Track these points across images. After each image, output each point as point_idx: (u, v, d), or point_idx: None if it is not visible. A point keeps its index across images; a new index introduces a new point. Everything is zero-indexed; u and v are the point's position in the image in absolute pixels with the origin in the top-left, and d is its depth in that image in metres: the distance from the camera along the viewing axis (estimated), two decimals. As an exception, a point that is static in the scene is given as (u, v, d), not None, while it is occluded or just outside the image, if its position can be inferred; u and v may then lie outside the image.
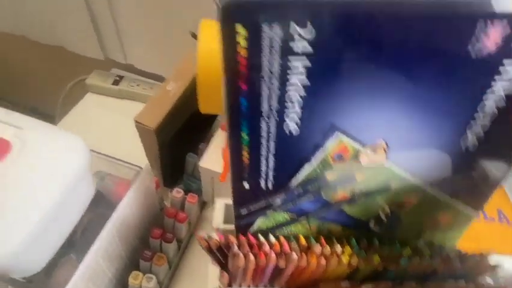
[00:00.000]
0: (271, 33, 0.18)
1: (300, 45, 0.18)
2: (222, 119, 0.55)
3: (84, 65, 0.75)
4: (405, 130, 0.22)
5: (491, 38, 0.18)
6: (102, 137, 0.60)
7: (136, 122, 0.45)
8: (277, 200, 0.27)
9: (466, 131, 0.22)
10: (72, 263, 0.39)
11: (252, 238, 0.27)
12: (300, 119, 0.21)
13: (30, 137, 0.33)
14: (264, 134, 0.22)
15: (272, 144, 0.23)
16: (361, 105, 0.21)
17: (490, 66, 0.19)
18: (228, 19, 0.17)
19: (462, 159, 0.24)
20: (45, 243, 0.33)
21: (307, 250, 0.28)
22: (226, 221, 0.34)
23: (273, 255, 0.26)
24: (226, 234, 0.28)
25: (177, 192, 0.49)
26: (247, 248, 0.26)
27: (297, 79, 0.19)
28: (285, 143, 0.22)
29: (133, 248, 0.44)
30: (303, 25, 0.17)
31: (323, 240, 0.28)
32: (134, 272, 0.42)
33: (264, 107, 0.20)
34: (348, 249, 0.27)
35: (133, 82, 0.74)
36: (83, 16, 0.64)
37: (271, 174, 0.25)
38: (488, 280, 0.29)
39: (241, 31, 0.18)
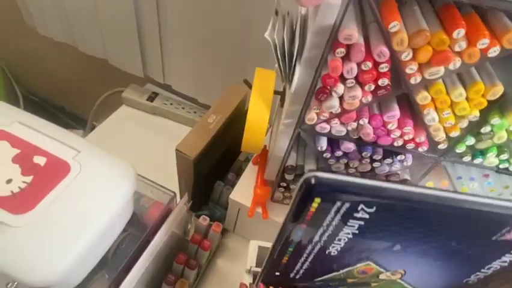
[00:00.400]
0: (341, 207, 0.22)
1: (361, 215, 0.23)
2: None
3: (123, 78, 0.78)
4: (423, 269, 0.29)
5: (511, 234, 0.24)
6: (132, 152, 0.62)
7: (177, 150, 0.47)
8: (301, 285, 0.31)
9: (471, 276, 0.29)
10: (103, 281, 0.40)
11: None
12: (340, 249, 0.27)
13: (88, 161, 0.35)
14: (307, 252, 0.27)
15: (311, 258, 0.28)
16: (392, 251, 0.27)
17: (505, 247, 0.26)
18: (309, 192, 0.22)
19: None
20: (89, 261, 0.35)
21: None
22: (257, 263, 0.36)
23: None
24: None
25: (203, 220, 0.50)
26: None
27: (349, 230, 0.25)
28: (322, 259, 0.28)
29: (158, 273, 0.46)
30: (369, 207, 0.22)
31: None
32: (158, 296, 0.43)
33: (315, 239, 0.26)
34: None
35: (166, 100, 0.77)
36: (132, 33, 0.67)
37: (301, 272, 0.30)
38: None
39: (317, 201, 0.22)
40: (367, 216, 0.23)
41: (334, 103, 0.32)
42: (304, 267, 0.29)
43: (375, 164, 0.39)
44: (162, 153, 0.53)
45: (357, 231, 0.24)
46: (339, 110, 0.33)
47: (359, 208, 0.22)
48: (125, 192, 0.35)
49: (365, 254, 0.27)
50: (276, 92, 0.41)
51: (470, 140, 0.34)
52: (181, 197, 0.55)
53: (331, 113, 0.34)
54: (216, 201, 0.57)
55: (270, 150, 0.48)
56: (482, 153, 0.36)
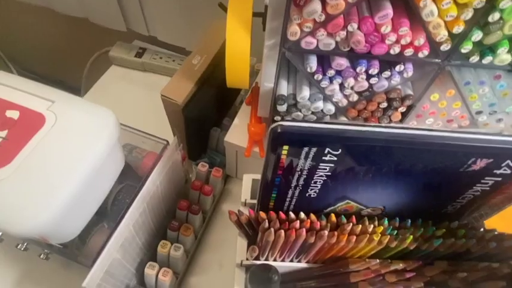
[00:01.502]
0: (309, 152, 0.23)
1: (329, 158, 0.24)
2: (246, 94, 0.54)
3: (109, 38, 0.74)
4: (401, 202, 0.29)
5: (477, 165, 0.24)
6: (126, 110, 0.60)
7: (163, 96, 0.45)
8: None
9: (448, 207, 0.29)
10: (104, 232, 0.40)
11: (282, 214, 0.27)
12: (318, 191, 0.28)
13: (63, 110, 0.34)
14: (289, 196, 0.29)
15: (294, 201, 0.29)
16: (367, 189, 0.27)
17: (474, 177, 0.25)
18: (277, 141, 0.23)
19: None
20: (80, 211, 0.34)
21: (336, 228, 0.27)
22: (253, 195, 0.35)
23: (304, 232, 0.26)
24: (247, 206, 0.28)
25: (202, 166, 0.49)
26: (278, 224, 0.27)
27: (322, 173, 0.26)
28: (304, 202, 0.29)
29: (161, 218, 0.46)
30: (335, 149, 0.23)
31: (353, 219, 0.28)
32: (163, 241, 0.43)
33: (293, 184, 0.27)
34: (380, 228, 0.27)
35: (155, 55, 0.73)
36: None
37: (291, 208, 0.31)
38: None
39: (285, 148, 0.23)
40: (335, 158, 0.24)
41: (315, 7, 0.28)
42: (290, 208, 0.30)
43: (373, 80, 0.36)
44: (155, 108, 0.50)
45: (329, 173, 0.25)
46: (323, 17, 0.29)
47: (326, 152, 0.23)
48: (106, 138, 0.33)
49: (342, 193, 0.28)
50: (255, 14, 0.37)
51: (477, 35, 0.30)
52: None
53: (314, 21, 0.30)
54: (214, 148, 0.55)
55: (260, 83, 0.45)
56: (492, 50, 0.32)
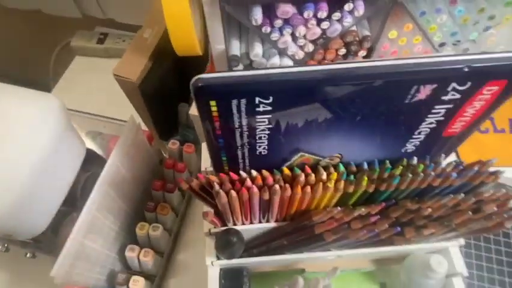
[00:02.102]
0: (240, 105, 0.22)
1: (264, 108, 0.22)
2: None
3: (70, 29, 0.71)
4: (357, 147, 0.27)
5: (422, 93, 0.22)
6: (97, 99, 0.59)
7: (116, 75, 0.43)
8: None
9: (407, 145, 0.27)
10: (74, 221, 0.40)
11: (233, 175, 0.26)
12: (268, 147, 0.26)
13: (1, 101, 0.32)
14: (240, 157, 0.27)
15: (247, 161, 0.28)
16: (318, 137, 0.26)
17: (423, 107, 0.23)
18: (201, 97, 0.21)
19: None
20: (40, 204, 0.33)
21: (292, 180, 0.26)
22: (214, 163, 0.34)
23: (255, 189, 0.25)
24: (208, 174, 0.27)
25: (173, 144, 0.48)
26: (229, 185, 0.26)
27: (263, 126, 0.24)
28: (258, 161, 0.27)
29: (137, 201, 0.45)
30: (265, 98, 0.21)
31: (307, 169, 0.26)
32: (141, 223, 0.43)
33: (238, 143, 0.25)
34: (334, 175, 0.26)
35: (117, 38, 0.70)
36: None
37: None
38: (489, 189, 0.27)
39: (212, 104, 0.21)
40: (270, 108, 0.22)
41: None
42: (246, 169, 0.28)
43: (324, 25, 0.34)
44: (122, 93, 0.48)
45: (271, 126, 0.24)
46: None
47: (257, 102, 0.21)
48: (52, 126, 0.32)
49: (294, 146, 0.26)
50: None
51: (422, -44, 0.28)
52: (148, 128, 0.52)
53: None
54: (185, 124, 0.54)
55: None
56: (442, -29, 0.29)
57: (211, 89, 0.20)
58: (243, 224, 0.32)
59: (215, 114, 0.22)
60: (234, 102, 0.21)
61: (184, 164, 0.47)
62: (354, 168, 0.27)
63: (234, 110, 0.22)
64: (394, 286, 0.38)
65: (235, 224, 0.32)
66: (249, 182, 0.25)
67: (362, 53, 0.38)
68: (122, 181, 0.39)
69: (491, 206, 0.25)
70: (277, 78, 0.20)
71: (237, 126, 0.23)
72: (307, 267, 0.38)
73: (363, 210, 0.27)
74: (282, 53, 0.37)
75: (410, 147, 0.27)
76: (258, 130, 0.24)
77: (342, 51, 0.37)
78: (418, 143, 0.26)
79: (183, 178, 0.27)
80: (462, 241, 0.32)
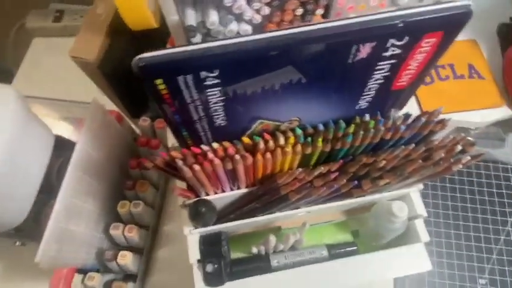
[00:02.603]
0: (186, 80, 0.22)
1: (212, 82, 0.22)
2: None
3: (23, 10, 0.67)
4: (313, 109, 0.28)
5: (362, 52, 0.22)
6: (61, 82, 0.57)
7: (73, 57, 0.41)
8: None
9: (359, 101, 0.28)
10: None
11: (195, 149, 0.27)
12: (226, 118, 0.26)
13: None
14: (201, 130, 0.27)
15: (209, 134, 0.28)
16: (274, 103, 0.26)
17: (368, 65, 0.24)
18: (146, 77, 0.21)
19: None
20: (15, 195, 0.34)
21: (253, 148, 0.27)
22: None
23: (217, 161, 0.26)
24: (171, 151, 0.27)
25: (143, 121, 0.48)
26: (191, 159, 0.26)
27: (215, 99, 0.24)
28: (218, 130, 0.28)
29: (116, 181, 0.46)
30: (210, 71, 0.21)
31: (266, 136, 0.27)
32: (122, 202, 0.44)
33: (195, 117, 0.26)
34: (291, 139, 0.27)
35: (75, 15, 0.67)
36: None
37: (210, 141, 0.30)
38: (449, 135, 0.29)
39: (159, 82, 0.21)
40: (218, 80, 0.22)
41: None
42: (209, 140, 0.29)
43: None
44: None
45: (224, 97, 0.24)
46: None
47: (203, 76, 0.21)
48: (10, 116, 0.31)
49: (251, 114, 0.27)
50: None
51: None
52: (118, 107, 0.52)
53: None
54: (155, 99, 0.53)
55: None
56: None
57: (153, 68, 0.20)
58: (216, 193, 0.33)
59: (164, 92, 0.22)
60: (180, 78, 0.21)
61: (158, 140, 0.48)
62: (311, 131, 0.28)
63: (182, 86, 0.22)
64: (365, 232, 0.41)
65: (208, 195, 0.33)
66: (210, 155, 0.26)
67: (320, 11, 0.37)
68: (95, 164, 0.40)
69: (439, 152, 0.27)
70: (218, 51, 0.20)
71: (189, 101, 0.23)
72: (283, 224, 0.40)
73: (322, 169, 0.28)
74: (239, 18, 0.36)
75: (363, 103, 0.28)
76: (211, 103, 0.24)
77: (299, 11, 0.37)
78: (370, 99, 0.27)
79: (148, 157, 0.27)
80: (421, 186, 0.35)
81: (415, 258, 0.35)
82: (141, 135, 0.49)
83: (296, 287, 0.34)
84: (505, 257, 0.46)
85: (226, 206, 0.37)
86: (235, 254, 0.39)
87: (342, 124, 0.27)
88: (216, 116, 0.26)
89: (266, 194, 0.32)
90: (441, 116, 0.28)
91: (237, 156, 0.26)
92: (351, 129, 0.27)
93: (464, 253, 0.46)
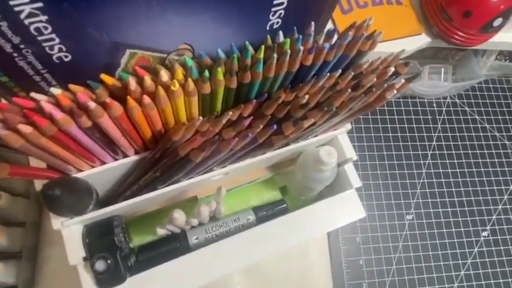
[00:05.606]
0: None
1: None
2: None
3: None
4: (209, 31, 0.20)
5: None
6: None
7: None
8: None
9: (270, 17, 0.21)
10: None
11: (20, 101, 0.17)
12: (66, 48, 0.17)
13: None
14: (30, 71, 0.18)
15: (48, 76, 0.18)
16: (144, 19, 0.17)
17: None
18: None
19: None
20: None
21: (124, 92, 0.18)
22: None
23: (60, 115, 0.17)
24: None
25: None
26: (18, 118, 0.17)
27: (38, 24, 0.15)
28: (63, 69, 0.18)
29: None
30: None
31: (140, 71, 0.19)
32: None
33: (7, 47, 0.16)
34: (179, 73, 0.19)
35: None
36: None
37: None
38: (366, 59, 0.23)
39: None
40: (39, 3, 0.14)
41: None
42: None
43: None
44: None
45: (49, 14, 0.15)
46: None
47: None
48: None
49: (112, 40, 0.18)
50: None
51: None
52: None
53: None
54: None
55: None
56: None
57: None
58: (93, 167, 0.24)
59: None
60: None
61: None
62: (208, 61, 0.20)
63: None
64: (294, 187, 0.36)
65: (81, 171, 0.24)
66: (48, 106, 0.16)
67: None
68: None
69: (370, 77, 0.21)
70: None
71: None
72: (199, 193, 0.33)
73: (231, 114, 0.21)
74: None
75: (274, 19, 0.21)
76: (28, 22, 0.14)
77: None
78: (283, 11, 0.20)
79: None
80: (349, 126, 0.30)
81: (349, 207, 0.31)
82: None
83: (221, 263, 0.28)
84: (427, 190, 0.46)
85: (118, 182, 0.28)
86: (143, 240, 0.31)
87: (249, 48, 0.20)
88: (49, 46, 0.16)
89: (163, 158, 0.24)
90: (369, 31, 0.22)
91: (92, 105, 0.17)
92: (261, 53, 0.20)
93: (391, 192, 0.46)
